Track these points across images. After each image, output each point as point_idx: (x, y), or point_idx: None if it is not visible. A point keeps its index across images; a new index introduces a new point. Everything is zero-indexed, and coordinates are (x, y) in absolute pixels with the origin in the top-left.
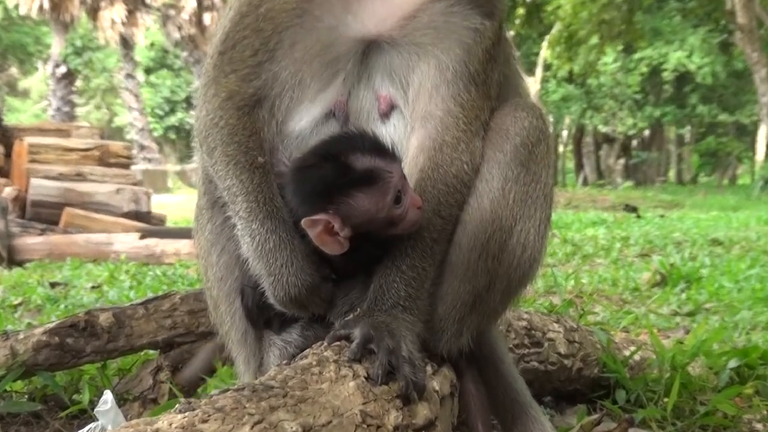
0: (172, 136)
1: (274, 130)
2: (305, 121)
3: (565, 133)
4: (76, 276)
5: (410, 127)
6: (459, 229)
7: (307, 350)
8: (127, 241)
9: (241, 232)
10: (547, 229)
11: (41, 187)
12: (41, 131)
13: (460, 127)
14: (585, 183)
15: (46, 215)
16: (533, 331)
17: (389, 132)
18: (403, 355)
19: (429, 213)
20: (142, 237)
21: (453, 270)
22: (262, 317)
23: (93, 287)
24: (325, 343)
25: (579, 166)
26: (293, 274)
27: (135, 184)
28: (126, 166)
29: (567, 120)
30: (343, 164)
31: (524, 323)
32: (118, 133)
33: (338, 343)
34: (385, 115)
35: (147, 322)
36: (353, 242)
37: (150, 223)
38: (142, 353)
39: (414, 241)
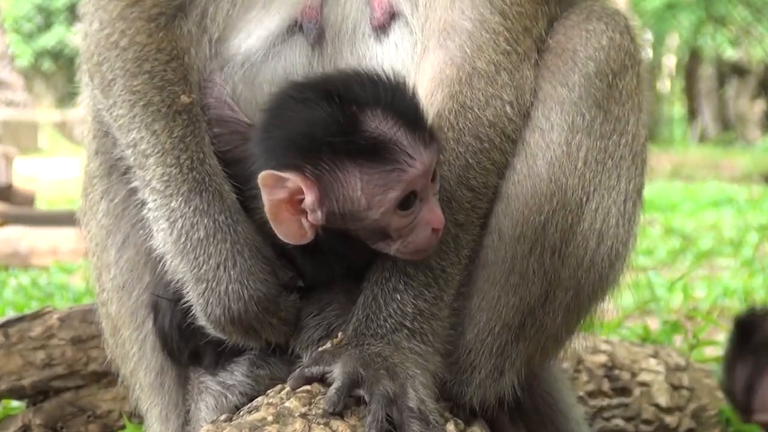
0: (47, 65)
1: (206, 53)
2: (255, 38)
3: (670, 60)
4: None
5: (421, 48)
6: (498, 208)
7: (259, 399)
8: None
9: (155, 214)
10: (638, 208)
11: None
12: None
13: (500, 46)
14: (702, 139)
15: None
16: (617, 371)
17: (387, 55)
18: (410, 405)
19: (453, 183)
20: (1, 225)
21: (489, 273)
22: (186, 347)
23: None
24: (288, 388)
25: (692, 113)
26: (236, 280)
27: None
28: None
29: (674, 40)
30: (351, 115)
31: (603, 359)
32: None
33: (308, 387)
34: (382, 29)
35: (7, 356)
36: (323, 238)
37: (12, 204)
38: (0, 405)
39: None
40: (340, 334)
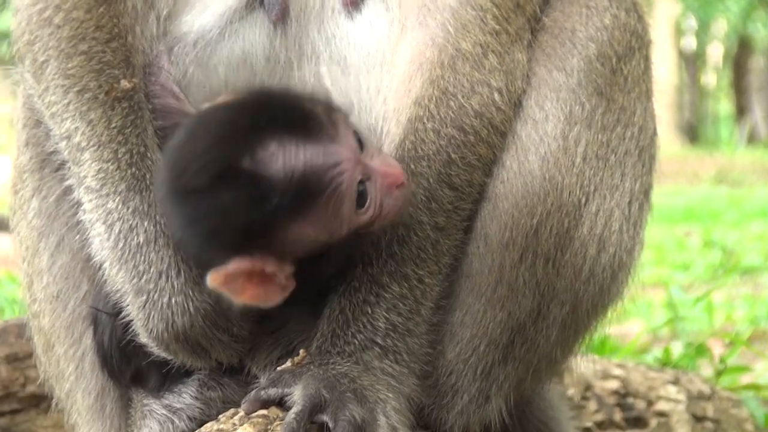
0: (3, 50)
1: (153, 32)
2: (210, 14)
3: (716, 50)
4: None
5: (398, 27)
6: (485, 210)
7: (208, 424)
8: None
9: (91, 216)
10: (645, 211)
11: None
12: None
13: (488, 25)
14: (751, 140)
15: None
16: (630, 400)
17: (360, 35)
18: None
19: (432, 180)
20: None
21: (474, 284)
22: (128, 368)
23: None
24: (241, 412)
25: (741, 111)
26: (180, 291)
27: None
28: None
29: (720, 27)
30: (255, 180)
31: (615, 385)
32: None
33: (265, 411)
34: (354, 4)
35: None
36: (301, 268)
37: None
38: None
39: (403, 231)
40: (301, 352)
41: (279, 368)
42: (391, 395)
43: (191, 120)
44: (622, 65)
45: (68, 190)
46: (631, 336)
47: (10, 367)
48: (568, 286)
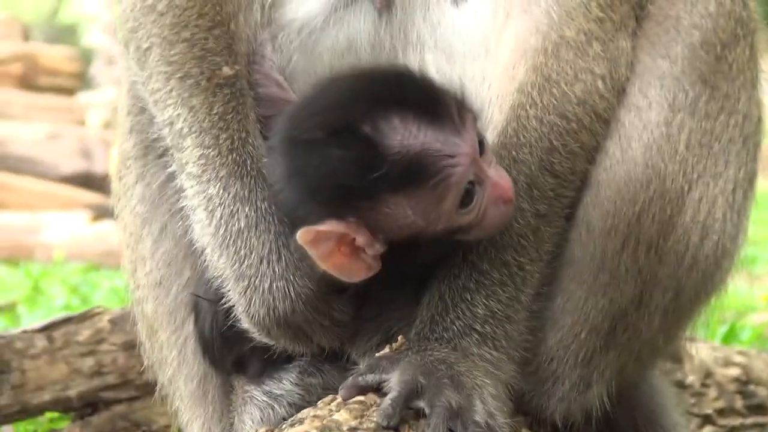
0: None
1: (257, 20)
2: (315, 2)
3: None
4: None
5: (503, 14)
6: (587, 197)
7: (306, 410)
8: (67, 227)
9: (192, 202)
10: (749, 199)
11: None
12: None
13: (592, 12)
14: None
15: None
16: (752, 387)
17: (465, 22)
18: (477, 420)
19: (534, 168)
20: (95, 219)
21: (575, 271)
22: (230, 354)
23: (1, 308)
24: (339, 398)
25: None
26: (281, 276)
27: (84, 124)
28: (70, 92)
29: None
30: (370, 145)
31: (736, 372)
32: (66, 32)
33: (362, 397)
34: None
35: (51, 363)
36: (389, 254)
37: (109, 195)
38: (44, 419)
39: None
40: (400, 338)
41: (377, 354)
42: (488, 381)
43: (322, 80)
44: (726, 53)
45: (171, 177)
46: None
47: (127, 354)
48: (670, 273)
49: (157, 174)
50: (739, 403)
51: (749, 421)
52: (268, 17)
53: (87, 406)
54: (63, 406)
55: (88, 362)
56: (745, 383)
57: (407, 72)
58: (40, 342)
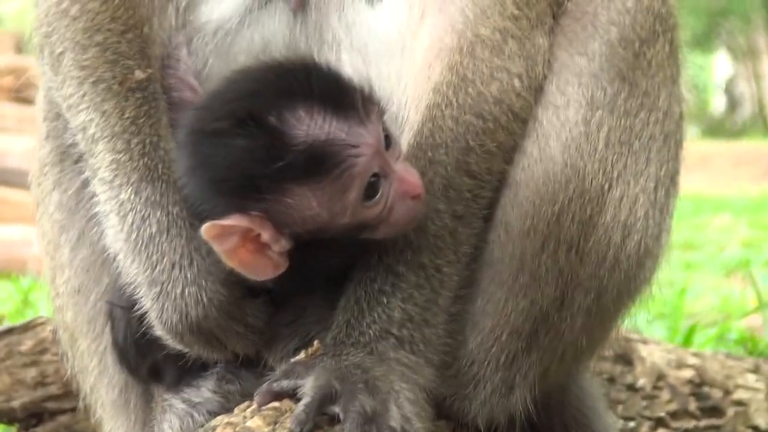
0: None
1: (171, 23)
2: (229, 4)
3: None
4: None
5: (418, 13)
6: (505, 197)
7: (219, 417)
8: None
9: (104, 207)
10: (671, 197)
11: None
12: None
13: (508, 10)
14: None
15: None
16: (706, 389)
17: (381, 22)
18: (392, 425)
19: (450, 168)
20: None
21: (495, 272)
22: (144, 362)
23: None
24: (254, 405)
25: None
26: (193, 282)
27: None
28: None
29: None
30: (274, 135)
31: (690, 374)
32: None
33: (277, 403)
34: None
35: None
36: (298, 254)
37: None
38: None
39: (421, 219)
40: (316, 343)
41: (292, 360)
42: (405, 386)
43: (230, 74)
44: (645, 49)
45: (87, 183)
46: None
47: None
48: (592, 273)
49: (74, 180)
50: (692, 405)
51: (703, 423)
52: (182, 20)
53: (31, 417)
54: (7, 417)
55: (31, 372)
56: (698, 385)
57: (314, 64)
58: None
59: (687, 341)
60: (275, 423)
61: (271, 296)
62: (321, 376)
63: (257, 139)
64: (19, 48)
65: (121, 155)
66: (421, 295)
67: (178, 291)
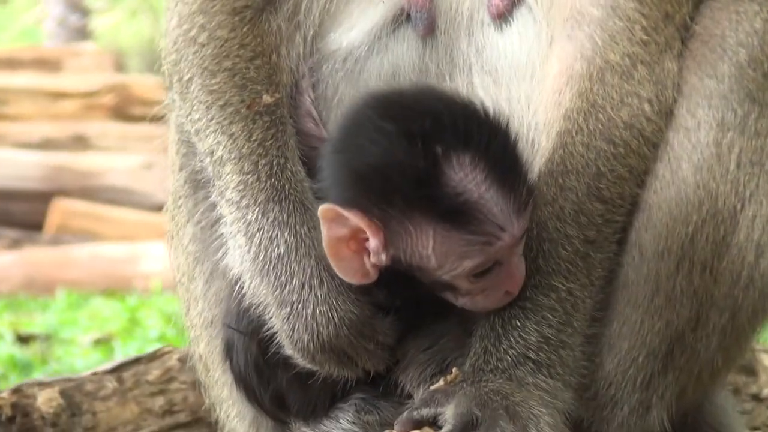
0: None
1: (299, 51)
2: (358, 31)
3: None
4: (69, 321)
5: (547, 39)
6: (638, 220)
7: None
8: (163, 256)
9: (231, 228)
10: None
11: (11, 164)
12: (11, 64)
13: (636, 35)
14: None
15: (19, 213)
16: None
17: (510, 47)
18: None
19: (581, 194)
20: None
21: (630, 294)
22: (267, 389)
23: (98, 341)
24: None
25: None
26: (324, 301)
27: None
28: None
29: None
30: (433, 162)
31: None
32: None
33: (418, 431)
34: (502, 17)
35: (122, 404)
36: (386, 277)
37: None
38: None
39: (550, 245)
40: (454, 370)
41: (432, 387)
42: (544, 410)
43: (421, 83)
44: None
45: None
46: None
47: (198, 392)
48: (726, 293)
49: (207, 212)
50: None
51: None
52: (310, 48)
53: None
54: None
55: (159, 401)
56: None
57: (503, 127)
58: (110, 383)
59: None
60: None
61: (399, 316)
62: (461, 403)
63: (416, 158)
64: (119, 65)
65: (248, 176)
66: (554, 317)
67: (309, 311)
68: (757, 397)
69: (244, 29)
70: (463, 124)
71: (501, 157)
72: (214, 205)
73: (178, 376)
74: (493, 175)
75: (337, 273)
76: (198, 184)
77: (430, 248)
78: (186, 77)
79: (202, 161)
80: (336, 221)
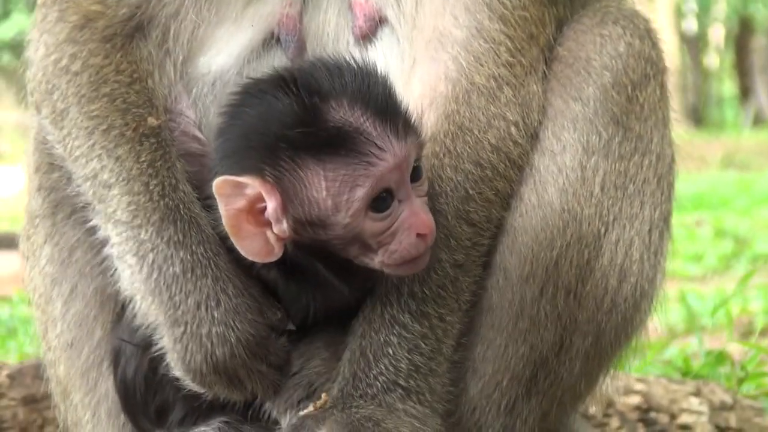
0: (5, 59)
1: (170, 77)
2: (227, 56)
3: (717, 32)
4: None
5: (410, 60)
6: (503, 243)
7: None
8: None
9: (120, 249)
10: (665, 239)
11: None
12: None
13: (502, 57)
14: (757, 122)
15: None
16: (653, 414)
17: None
18: None
19: (451, 217)
20: None
21: (494, 318)
22: (153, 400)
23: None
24: None
25: (745, 93)
26: (220, 322)
27: None
28: None
29: (721, 8)
30: (311, 105)
31: (637, 400)
32: None
33: None
34: (366, 38)
35: None
36: (297, 258)
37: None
38: None
39: (423, 270)
40: (323, 395)
41: (301, 413)
42: None
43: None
44: (637, 93)
45: (82, 236)
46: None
47: (27, 409)
48: (590, 317)
49: (67, 234)
50: (641, 430)
51: None
52: (181, 73)
53: None
54: None
55: None
56: (646, 411)
57: (376, 74)
58: None
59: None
60: None
61: (290, 338)
62: (333, 429)
63: (293, 103)
64: None
65: (139, 197)
66: (426, 345)
67: (204, 331)
68: (584, 415)
69: (118, 56)
70: (336, 75)
71: (376, 95)
72: (74, 227)
73: (8, 393)
74: (370, 109)
75: (242, 252)
76: (58, 204)
77: (323, 189)
78: (61, 107)
79: (79, 186)
80: (231, 193)
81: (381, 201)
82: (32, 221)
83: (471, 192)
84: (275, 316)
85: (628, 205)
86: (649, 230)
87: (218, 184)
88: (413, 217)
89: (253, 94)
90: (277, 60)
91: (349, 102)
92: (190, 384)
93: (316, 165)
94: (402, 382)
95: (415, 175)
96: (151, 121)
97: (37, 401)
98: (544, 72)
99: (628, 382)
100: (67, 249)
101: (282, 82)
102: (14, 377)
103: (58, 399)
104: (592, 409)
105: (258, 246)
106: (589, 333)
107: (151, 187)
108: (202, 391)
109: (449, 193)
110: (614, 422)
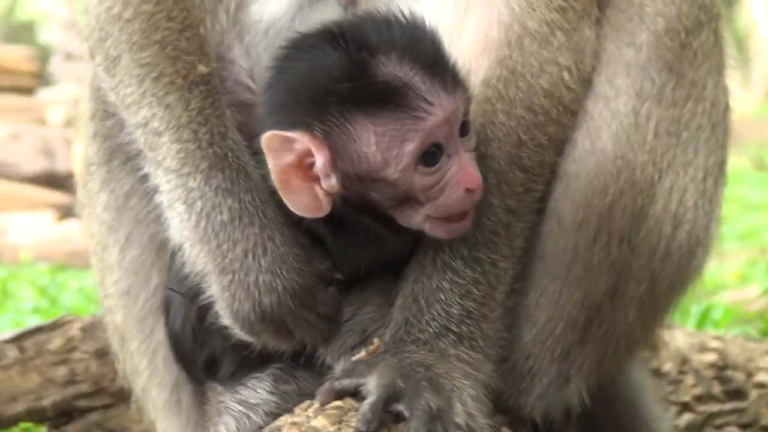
0: None
1: (223, 24)
2: (279, 2)
3: None
4: None
5: (464, 6)
6: (557, 189)
7: (283, 417)
8: (33, 228)
9: (170, 197)
10: (720, 186)
11: None
12: None
13: (554, 2)
14: None
15: None
16: (729, 372)
17: (427, 16)
18: (457, 421)
19: (503, 163)
20: (61, 218)
21: (548, 265)
22: (202, 351)
23: None
24: (316, 404)
25: None
26: (267, 270)
27: (45, 123)
28: (29, 91)
29: None
30: (359, 59)
31: (713, 357)
32: (24, 30)
33: (339, 402)
34: None
35: (23, 373)
36: (346, 213)
37: (74, 193)
38: (18, 429)
39: (476, 215)
40: (376, 341)
41: (353, 358)
42: (467, 382)
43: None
44: (691, 39)
45: (137, 184)
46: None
47: (100, 362)
48: (644, 264)
49: (122, 181)
50: (716, 388)
51: (728, 407)
52: (233, 20)
53: (61, 416)
54: (37, 416)
55: (61, 371)
56: (721, 368)
57: (424, 27)
58: (12, 352)
59: (701, 323)
60: (340, 422)
61: (339, 286)
62: (384, 374)
63: (342, 57)
64: None
65: (188, 144)
66: (478, 291)
67: (252, 279)
68: (658, 372)
69: (170, 3)
70: (385, 29)
71: (425, 50)
72: (129, 173)
73: (80, 346)
74: (419, 63)
75: (291, 207)
76: (114, 152)
77: (373, 144)
78: (113, 54)
79: (131, 134)
80: (280, 148)
81: (430, 155)
82: (88, 168)
83: (523, 137)
84: (323, 265)
85: (682, 152)
86: (704, 177)
87: (267, 138)
88: (462, 171)
89: (301, 49)
90: (330, 9)
91: (398, 56)
92: (238, 333)
93: (365, 120)
94: (454, 328)
95: (464, 129)
96: (201, 68)
97: (109, 354)
98: (597, 17)
99: (704, 339)
100: (122, 196)
101: (330, 36)
102: (87, 330)
103: (117, 347)
104: (667, 366)
105: (306, 201)
106: (643, 280)
107: (200, 135)
108: (250, 340)
109: (501, 138)
110: (689, 379)
